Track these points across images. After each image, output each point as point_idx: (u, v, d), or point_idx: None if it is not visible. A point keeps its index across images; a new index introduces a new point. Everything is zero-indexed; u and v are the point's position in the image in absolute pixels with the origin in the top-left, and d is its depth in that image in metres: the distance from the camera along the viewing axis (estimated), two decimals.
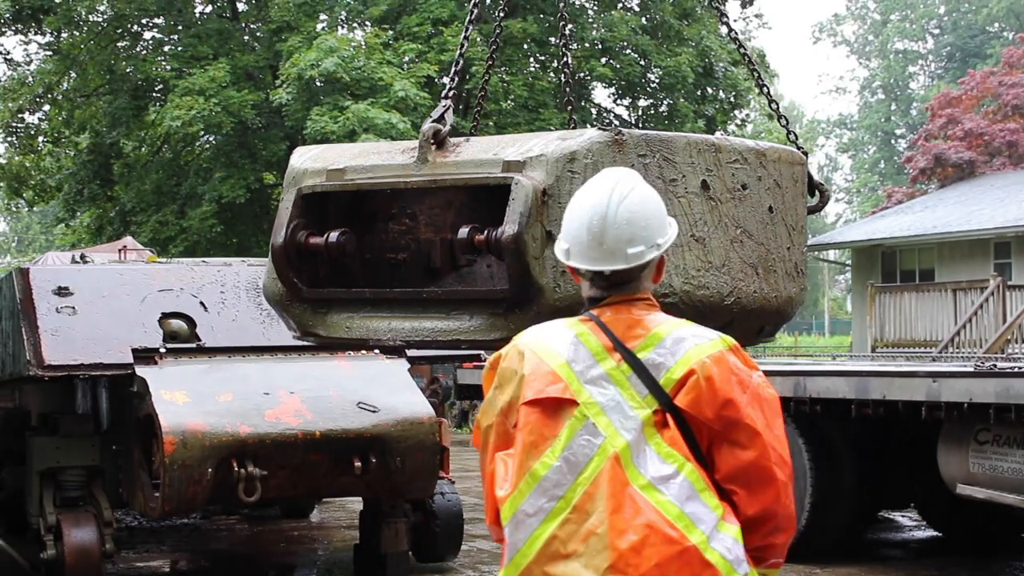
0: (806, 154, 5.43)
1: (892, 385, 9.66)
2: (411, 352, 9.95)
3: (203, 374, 9.20)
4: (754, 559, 3.27)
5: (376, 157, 4.99)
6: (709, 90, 31.67)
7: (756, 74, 6.27)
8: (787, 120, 5.73)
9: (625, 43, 30.64)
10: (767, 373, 9.73)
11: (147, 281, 9.80)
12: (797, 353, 40.82)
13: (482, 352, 6.58)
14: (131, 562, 11.18)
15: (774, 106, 5.98)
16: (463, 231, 4.55)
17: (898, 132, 78.12)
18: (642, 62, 31.22)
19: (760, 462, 3.24)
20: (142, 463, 9.19)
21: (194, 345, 9.48)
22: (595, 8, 32.50)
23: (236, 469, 8.67)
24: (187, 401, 8.84)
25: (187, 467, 8.57)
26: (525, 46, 30.53)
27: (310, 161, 5.08)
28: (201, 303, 9.75)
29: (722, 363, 3.26)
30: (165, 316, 9.57)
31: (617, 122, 31.02)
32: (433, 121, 4.82)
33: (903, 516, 13.07)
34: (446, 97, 5.03)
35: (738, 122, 34.34)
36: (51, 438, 10.00)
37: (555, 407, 3.26)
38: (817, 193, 5.58)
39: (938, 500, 10.84)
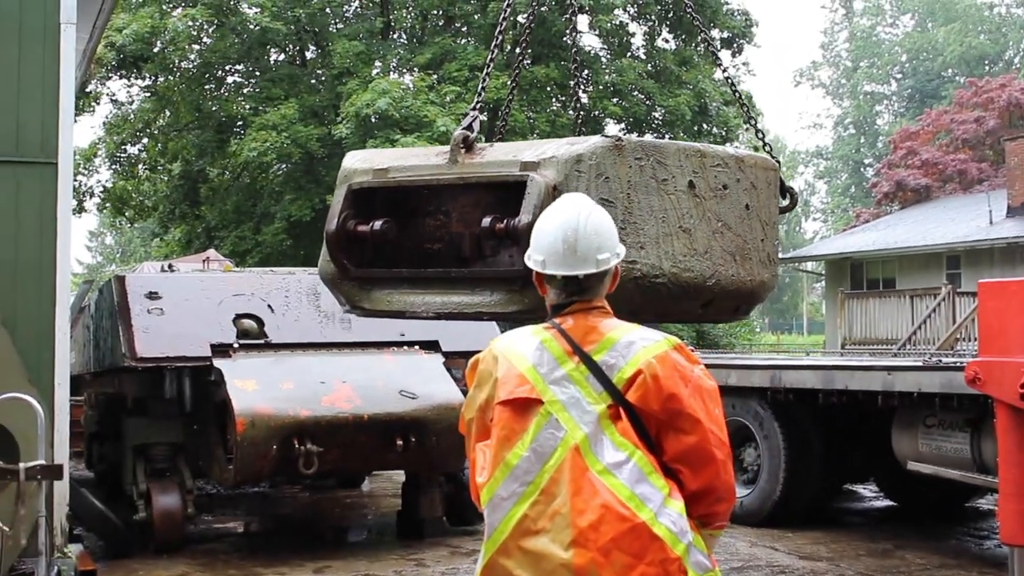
0: (778, 163, 5.46)
1: (853, 377, 9.60)
2: (445, 348, 9.97)
3: (269, 366, 9.23)
4: (702, 524, 3.27)
5: (414, 159, 5.10)
6: (704, 126, 31.54)
7: (746, 110, 6.31)
8: (770, 147, 5.73)
9: (633, 86, 30.58)
10: (749, 367, 9.68)
11: (223, 287, 9.84)
12: (779, 349, 40.56)
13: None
14: (210, 524, 11.17)
15: (760, 135, 6.00)
16: (486, 220, 4.62)
17: (866, 162, 77.52)
18: (647, 102, 31.14)
19: (701, 445, 3.24)
20: (218, 440, 9.22)
21: (262, 341, 9.50)
22: (608, 56, 32.44)
23: (296, 446, 8.69)
24: (256, 388, 8.87)
25: (255, 444, 8.60)
26: (548, 89, 30.49)
27: (359, 162, 5.18)
28: (268, 306, 9.78)
29: (666, 362, 3.25)
30: (238, 316, 9.61)
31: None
32: (463, 129, 4.91)
33: (864, 488, 12.96)
34: (474, 109, 5.10)
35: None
36: (143, 419, 10.04)
37: (524, 405, 3.26)
38: (788, 196, 5.62)
39: (894, 475, 10.76)
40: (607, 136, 4.63)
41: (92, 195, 32.50)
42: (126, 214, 34.43)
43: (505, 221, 4.55)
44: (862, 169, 78.05)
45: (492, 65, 5.62)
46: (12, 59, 8.20)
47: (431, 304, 4.88)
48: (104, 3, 11.38)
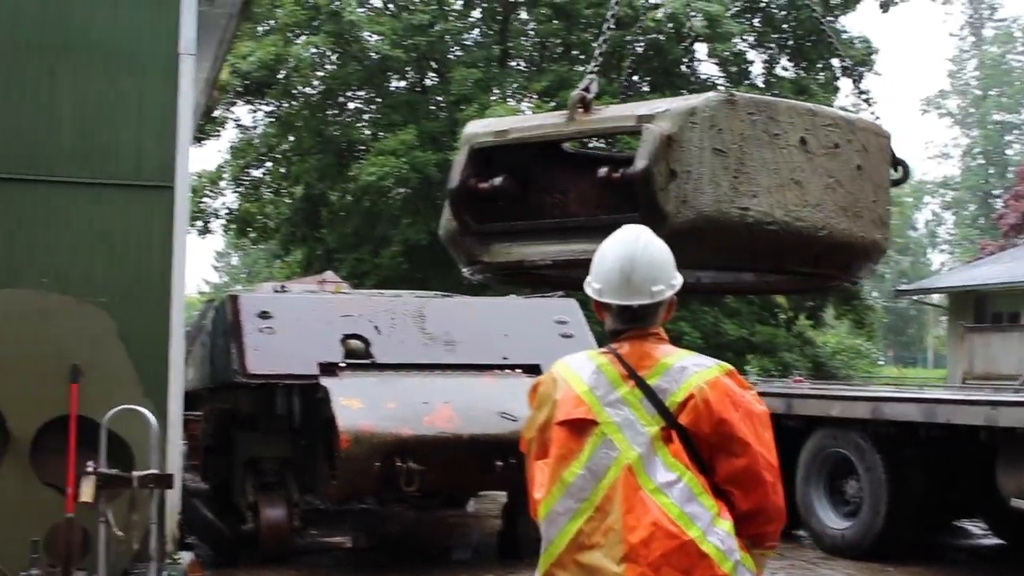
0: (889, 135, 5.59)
1: (956, 411, 9.54)
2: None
3: (374, 385, 9.50)
4: (752, 544, 3.40)
5: (535, 121, 5.32)
6: None
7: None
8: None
9: None
10: (851, 399, 9.66)
11: (332, 308, 10.16)
12: (899, 383, 39.81)
13: None
14: (316, 538, 11.48)
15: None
16: (602, 171, 4.76)
17: (995, 192, 75.75)
18: None
19: (751, 467, 3.37)
20: (324, 456, 9.51)
21: (368, 361, 9.78)
22: (726, 84, 32.36)
23: (398, 464, 8.93)
24: (360, 407, 9.13)
25: (358, 460, 8.86)
26: None
27: (480, 127, 5.31)
28: (375, 327, 10.06)
29: (717, 387, 3.38)
30: (346, 337, 9.90)
31: None
32: (581, 90, 4.97)
33: (973, 525, 12.76)
34: (592, 72, 5.26)
35: None
36: (253, 433, 10.40)
37: (580, 426, 3.42)
38: (901, 168, 5.69)
39: (1001, 512, 10.58)
40: (720, 90, 4.80)
41: (217, 216, 33.39)
42: (249, 235, 35.25)
43: (620, 171, 4.68)
44: (991, 200, 76.24)
45: (608, 33, 5.79)
46: (134, 89, 8.67)
47: (547, 253, 4.96)
48: (226, 33, 11.88)
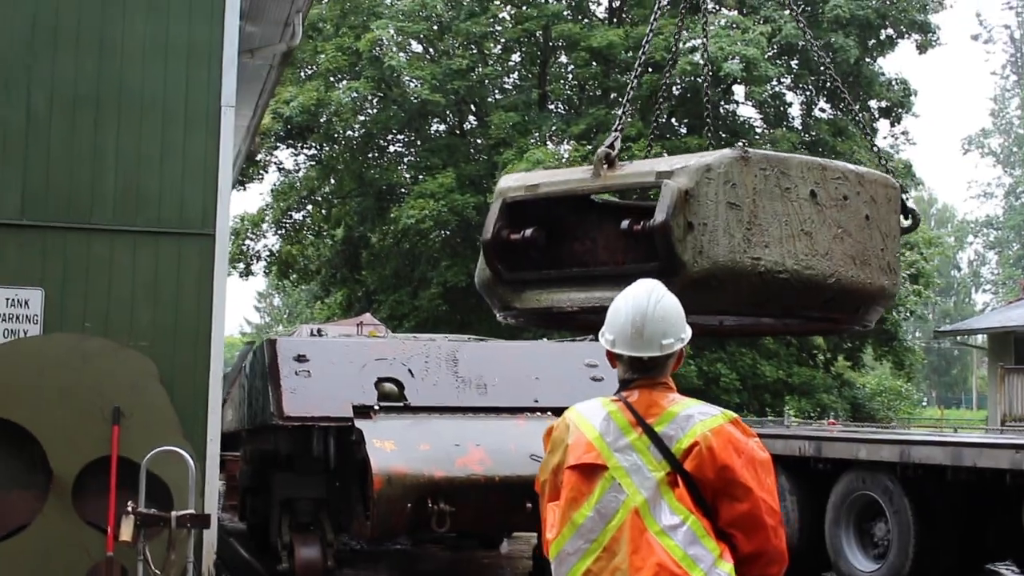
0: (902, 186, 5.89)
1: (981, 454, 9.60)
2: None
3: (408, 427, 9.70)
4: None
5: (563, 176, 5.61)
6: None
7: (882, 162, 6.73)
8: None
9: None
10: (878, 442, 9.72)
11: (367, 352, 10.38)
12: (940, 425, 39.55)
13: None
14: None
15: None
16: (625, 223, 5.11)
17: None
18: None
19: (753, 512, 3.53)
20: (358, 497, 9.71)
21: (402, 404, 9.98)
22: (763, 127, 32.55)
23: (430, 505, 9.11)
24: (394, 449, 9.33)
25: (391, 501, 9.05)
26: None
27: (513, 181, 5.69)
28: (409, 370, 10.26)
29: (721, 434, 3.55)
30: (380, 380, 10.10)
31: None
32: (606, 147, 5.35)
33: (1007, 569, 12.75)
34: (616, 130, 5.61)
35: None
36: (289, 474, 10.62)
37: (590, 470, 3.60)
38: (910, 216, 5.98)
39: None
40: (735, 148, 5.11)
41: (259, 258, 33.85)
42: (291, 277, 35.69)
43: (642, 223, 5.01)
44: None
45: (632, 93, 6.20)
46: (178, 140, 8.98)
47: (575, 299, 5.28)
48: (266, 83, 12.24)
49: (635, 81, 6.87)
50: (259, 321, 78.82)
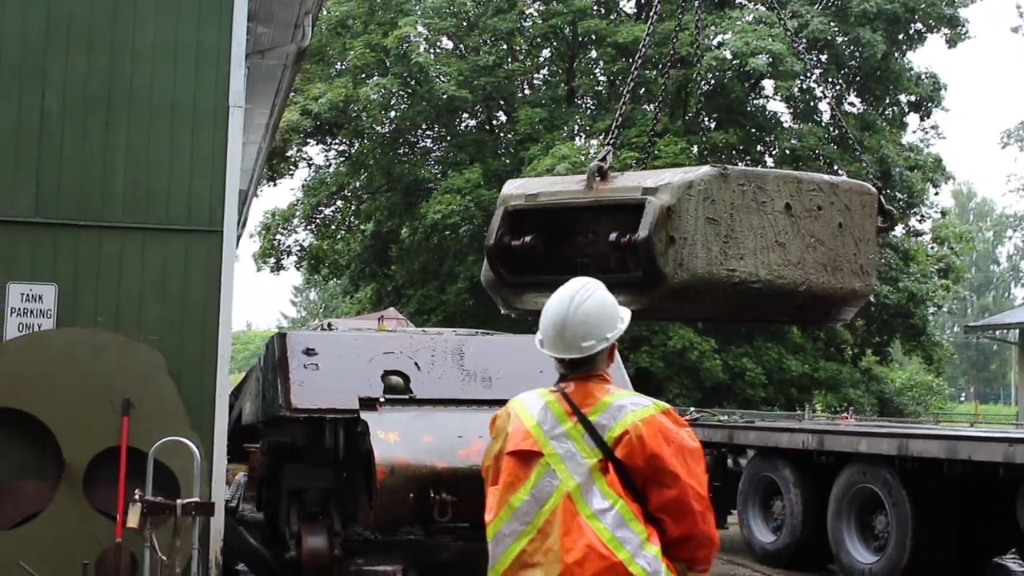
0: (879, 189, 6.24)
1: (976, 448, 9.75)
2: None
3: (412, 420, 9.89)
4: (688, 567, 3.81)
5: (559, 186, 6.05)
6: (887, 191, 31.24)
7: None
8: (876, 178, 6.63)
9: (814, 151, 30.56)
10: (878, 435, 9.90)
11: (374, 345, 10.59)
12: (972, 420, 39.40)
13: None
14: (363, 567, 11.85)
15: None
16: (612, 235, 5.51)
17: None
18: (830, 168, 31.06)
19: (681, 498, 3.75)
20: (363, 487, 9.95)
21: (407, 397, 10.19)
22: (791, 121, 32.53)
23: (432, 495, 9.33)
24: (397, 440, 9.53)
25: (394, 491, 9.25)
26: (733, 153, 30.73)
27: (515, 189, 6.13)
28: (415, 364, 10.47)
29: (652, 424, 3.77)
30: (387, 373, 10.31)
31: None
32: (598, 161, 5.80)
33: (1013, 561, 12.83)
34: (609, 145, 6.09)
35: (918, 218, 33.55)
36: (299, 465, 10.84)
37: (527, 456, 3.84)
38: (888, 217, 6.39)
39: None
40: (715, 166, 5.50)
41: (290, 254, 34.21)
42: (321, 272, 36.06)
43: (628, 236, 5.39)
44: None
45: (624, 108, 6.71)
46: (187, 140, 9.25)
47: None
48: (281, 82, 12.51)
49: (630, 85, 7.23)
50: (295, 315, 79.45)
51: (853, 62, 31.72)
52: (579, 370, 3.92)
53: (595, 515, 3.71)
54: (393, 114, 32.38)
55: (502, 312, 6.28)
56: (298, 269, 36.15)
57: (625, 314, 4.04)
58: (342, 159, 34.00)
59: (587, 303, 3.95)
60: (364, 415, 9.80)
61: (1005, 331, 42.99)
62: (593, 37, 31.39)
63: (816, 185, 5.87)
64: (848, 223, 5.90)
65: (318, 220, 34.48)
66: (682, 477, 3.76)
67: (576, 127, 31.36)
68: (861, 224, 6.01)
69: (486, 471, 4.05)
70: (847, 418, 17.69)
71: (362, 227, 34.41)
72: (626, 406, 3.83)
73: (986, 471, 9.66)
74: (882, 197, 6.48)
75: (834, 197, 5.89)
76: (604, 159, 5.79)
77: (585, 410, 3.84)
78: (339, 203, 34.91)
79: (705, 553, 3.84)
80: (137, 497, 7.82)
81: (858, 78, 32.26)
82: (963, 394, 75.35)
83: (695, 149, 27.52)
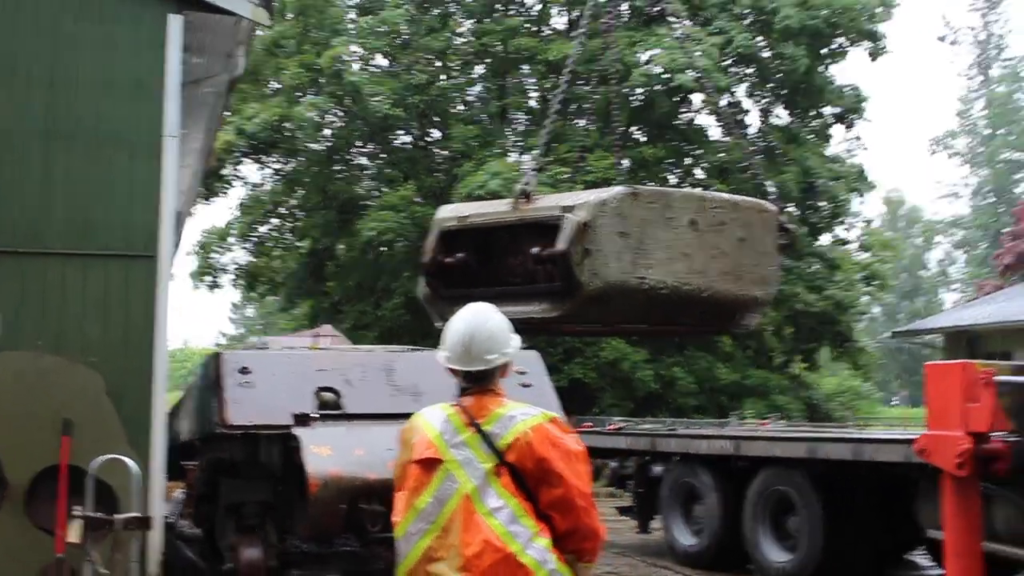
0: (782, 209, 7.14)
1: (879, 450, 10.33)
2: None
3: (344, 434, 10.25)
4: (577, 558, 4.32)
5: (488, 208, 6.82)
6: (810, 201, 32.02)
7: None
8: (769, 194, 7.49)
9: (741, 163, 31.25)
10: (790, 440, 10.47)
11: (307, 363, 10.97)
12: (901, 423, 40.24)
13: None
14: None
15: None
16: (535, 249, 6.30)
17: (1005, 231, 76.35)
18: (756, 179, 31.74)
19: (566, 496, 4.26)
20: (298, 500, 10.34)
21: (339, 412, 10.57)
22: (721, 135, 33.28)
23: (364, 506, 9.75)
24: (330, 454, 9.92)
25: (326, 503, 9.64)
26: (660, 166, 31.36)
27: (448, 212, 6.96)
28: (347, 380, 10.84)
29: (539, 431, 4.29)
30: (319, 389, 10.69)
31: None
32: (522, 185, 6.58)
33: (923, 557, 13.42)
34: (533, 171, 6.88)
35: (844, 227, 34.44)
36: (236, 480, 11.21)
37: (430, 464, 4.33)
38: (787, 235, 7.23)
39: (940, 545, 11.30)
40: (627, 187, 6.27)
41: (226, 271, 34.37)
42: (258, 290, 36.22)
43: (547, 249, 6.15)
44: (1001, 238, 76.75)
45: (549, 133, 7.60)
46: (124, 169, 9.65)
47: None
48: (215, 109, 12.89)
49: (552, 115, 8.06)
50: (234, 332, 79.14)
51: (779, 75, 32.52)
52: (479, 384, 4.41)
53: (490, 513, 4.20)
54: (328, 132, 32.69)
55: (436, 325, 6.77)
56: (235, 287, 36.32)
57: (516, 337, 4.54)
58: (277, 177, 34.27)
59: (490, 322, 4.47)
60: (297, 430, 10.14)
61: (933, 336, 44.02)
62: (524, 55, 31.95)
63: (719, 203, 6.63)
64: (749, 237, 6.66)
65: (254, 238, 34.68)
66: (567, 478, 4.26)
67: (509, 144, 31.85)
68: (762, 238, 6.76)
69: (397, 479, 4.52)
70: (766, 424, 18.31)
71: (298, 244, 34.67)
72: (516, 416, 4.33)
73: (890, 472, 10.23)
74: (782, 216, 7.20)
75: (736, 214, 6.66)
76: (527, 183, 6.49)
77: (480, 421, 4.33)
78: (275, 221, 35.15)
79: (591, 545, 4.35)
80: (78, 513, 8.20)
81: (784, 91, 33.06)
82: (894, 398, 76.61)
83: (624, 163, 28.09)
